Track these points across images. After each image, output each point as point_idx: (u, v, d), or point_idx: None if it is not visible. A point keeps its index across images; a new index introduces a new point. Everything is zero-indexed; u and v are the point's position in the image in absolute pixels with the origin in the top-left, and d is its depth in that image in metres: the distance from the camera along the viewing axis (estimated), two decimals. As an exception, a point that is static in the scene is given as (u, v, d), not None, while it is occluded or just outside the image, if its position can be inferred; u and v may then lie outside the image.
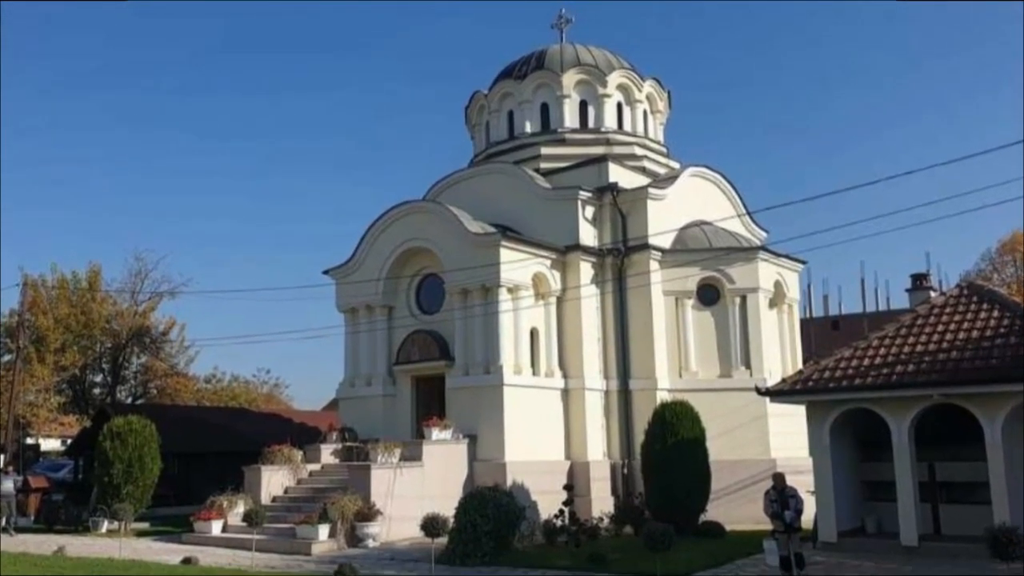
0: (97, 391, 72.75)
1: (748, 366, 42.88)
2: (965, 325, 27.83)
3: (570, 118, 49.58)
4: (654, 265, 42.88)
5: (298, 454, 39.89)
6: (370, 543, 33.11)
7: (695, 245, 44.25)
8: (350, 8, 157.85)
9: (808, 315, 69.36)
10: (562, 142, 48.86)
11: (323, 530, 32.99)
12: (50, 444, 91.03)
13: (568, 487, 37.09)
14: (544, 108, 50.19)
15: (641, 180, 46.24)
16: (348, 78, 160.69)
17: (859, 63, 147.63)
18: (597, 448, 41.79)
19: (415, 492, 35.52)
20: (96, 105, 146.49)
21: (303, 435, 45.77)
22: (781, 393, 29.73)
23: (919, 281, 32.07)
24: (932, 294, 31.40)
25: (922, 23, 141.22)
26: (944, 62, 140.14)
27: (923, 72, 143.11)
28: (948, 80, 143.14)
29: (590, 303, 42.73)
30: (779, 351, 45.33)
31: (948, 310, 28.98)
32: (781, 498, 24.40)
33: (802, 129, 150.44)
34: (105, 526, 38.80)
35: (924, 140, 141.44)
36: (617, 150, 48.20)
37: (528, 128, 49.92)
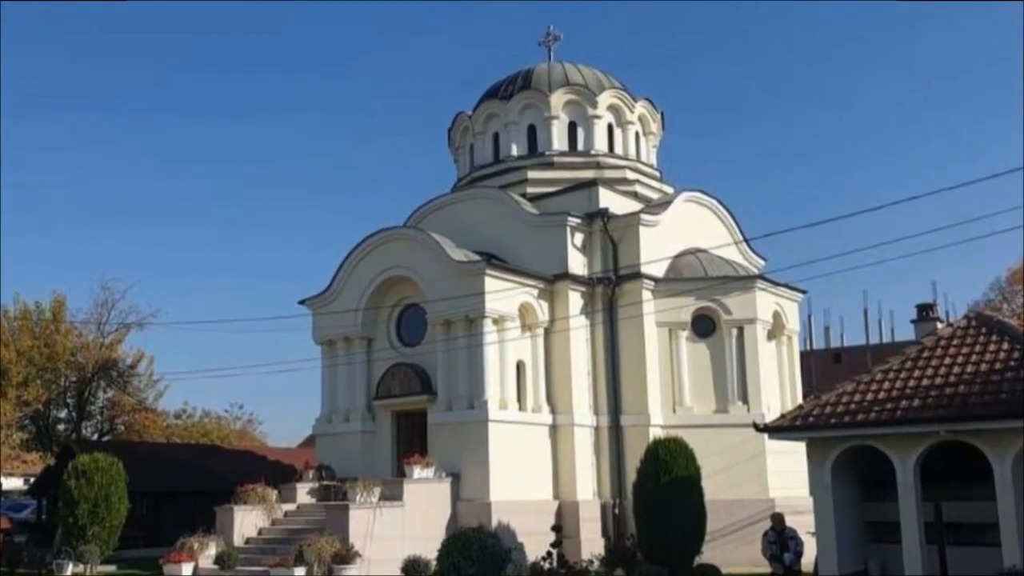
0: (62, 427, 72.30)
1: (745, 401, 42.81)
2: (973, 358, 27.74)
3: (558, 140, 49.58)
4: (647, 295, 42.85)
5: (273, 493, 39.69)
6: (348, 587, 32.93)
7: (690, 274, 44.22)
8: (326, 25, 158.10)
9: (808, 347, 69.33)
10: (550, 166, 48.85)
11: (299, 573, 32.81)
12: (12, 483, 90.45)
13: (556, 528, 36.96)
14: (531, 130, 50.18)
15: (633, 205, 46.24)
16: (324, 98, 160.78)
17: (862, 83, 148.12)
18: (587, 487, 41.66)
19: (396, 533, 35.34)
20: (59, 127, 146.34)
21: (278, 473, 45.52)
22: (780, 429, 29.61)
23: (925, 312, 32.02)
24: (939, 325, 31.32)
25: (928, 42, 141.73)
26: (951, 83, 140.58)
27: (929, 93, 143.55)
28: (955, 101, 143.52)
29: (579, 335, 42.68)
30: (778, 385, 45.29)
31: (956, 342, 28.90)
32: (780, 539, 24.32)
33: (802, 152, 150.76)
34: (70, 569, 38.49)
35: (930, 164, 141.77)
36: (608, 174, 48.19)
37: (514, 151, 49.90)
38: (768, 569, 24.92)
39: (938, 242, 29.70)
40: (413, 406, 41.86)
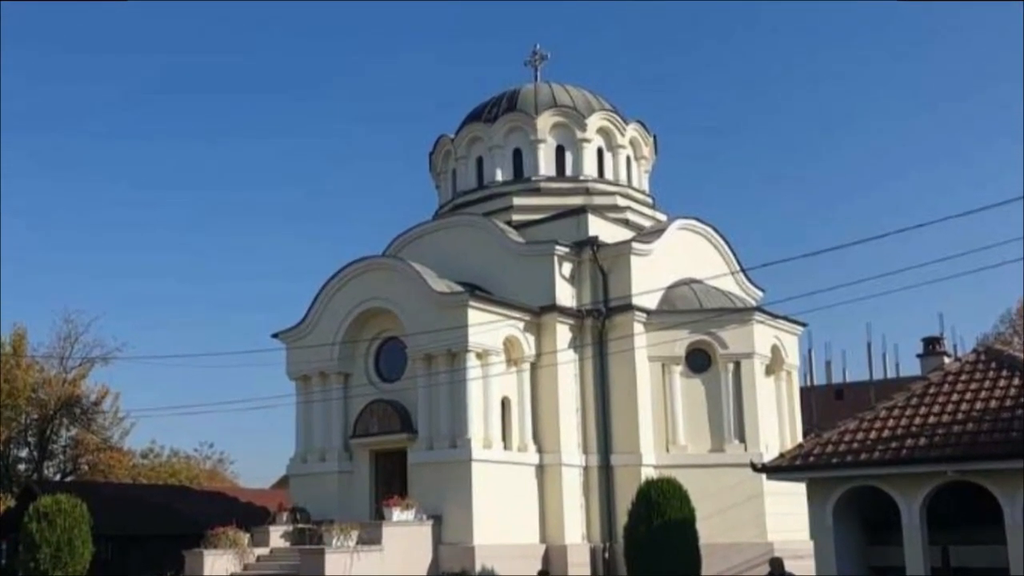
0: (22, 467, 71.95)
1: (742, 439, 42.73)
2: (983, 394, 27.68)
3: (545, 165, 49.54)
4: (638, 328, 42.79)
5: (244, 537, 39.48)
6: (323, 637, 32.74)
7: (684, 306, 44.18)
8: (302, 45, 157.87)
9: (809, 383, 69.25)
10: (537, 191, 48.81)
11: (271, 622, 32.64)
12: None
13: (543, 573, 36.76)
14: (517, 154, 50.12)
15: (624, 234, 46.19)
16: (299, 121, 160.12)
17: (866, 106, 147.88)
18: (575, 530, 41.53)
19: (374, 580, 35.19)
20: (19, 151, 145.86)
21: (250, 516, 45.27)
22: (779, 469, 29.52)
23: (931, 345, 31.98)
24: (946, 360, 31.27)
25: (936, 61, 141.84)
26: (960, 104, 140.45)
27: (937, 115, 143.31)
28: (965, 124, 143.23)
29: (568, 370, 42.60)
30: (777, 423, 45.23)
31: (964, 377, 28.84)
32: (780, 586, 24.19)
33: (802, 178, 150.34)
34: (31, 617, 38.24)
35: (937, 190, 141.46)
36: (597, 200, 48.16)
37: (499, 176, 49.84)
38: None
39: (945, 272, 29.60)
40: (392, 445, 41.73)
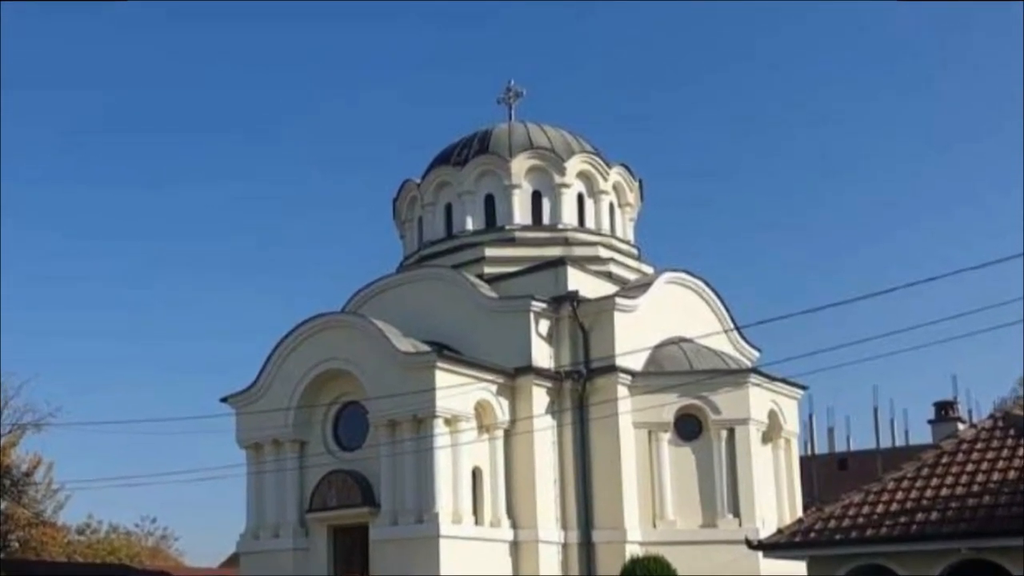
0: (-55, 545, 71.61)
1: (737, 514, 42.61)
2: (1000, 464, 27.64)
3: (520, 213, 49.38)
4: (623, 391, 42.69)
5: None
6: None
7: (672, 367, 44.11)
8: (253, 80, 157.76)
9: (810, 452, 69.37)
10: (511, 242, 48.69)
11: None
12: None
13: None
14: (489, 200, 49.93)
15: (607, 288, 46.09)
16: (250, 165, 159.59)
17: (872, 148, 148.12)
18: (554, 614, 41.42)
19: (330, 670, 34.96)
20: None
21: (195, 599, 45.09)
22: (777, 547, 29.41)
23: (944, 410, 31.97)
24: (960, 426, 31.25)
25: (949, 100, 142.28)
26: (976, 146, 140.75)
27: (950, 158, 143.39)
28: (981, 168, 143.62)
29: (545, 437, 42.48)
30: (774, 495, 45.14)
31: (980, 446, 28.80)
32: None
33: (803, 227, 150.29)
34: None
35: (951, 240, 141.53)
36: (577, 251, 48.06)
37: (469, 224, 49.67)
38: None
39: (959, 330, 29.57)
40: (353, 520, 41.54)
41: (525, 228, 49.08)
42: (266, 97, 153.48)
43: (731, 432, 43.27)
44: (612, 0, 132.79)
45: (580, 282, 45.12)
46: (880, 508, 27.93)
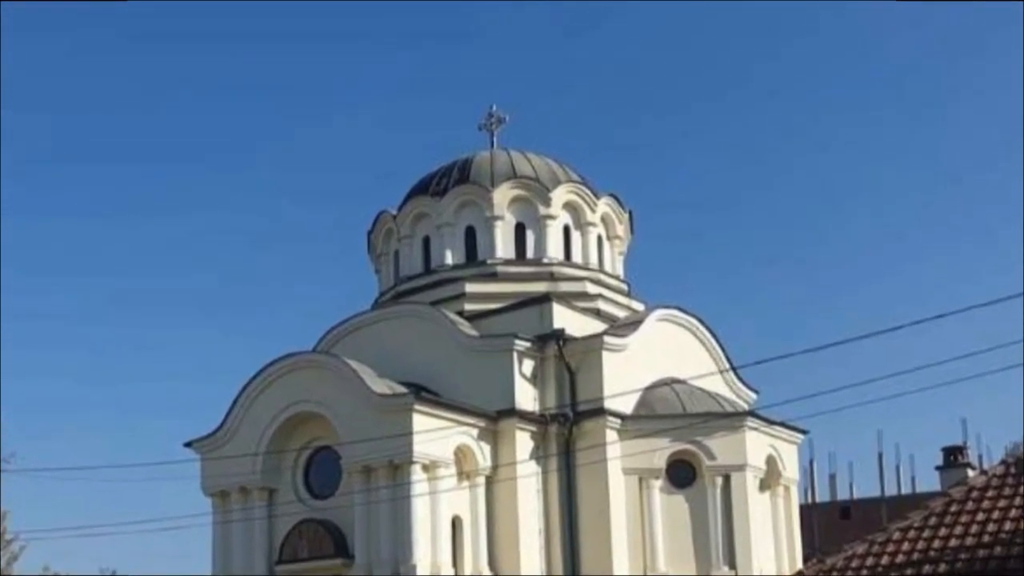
0: None
1: (733, 566, 42.58)
2: (1013, 512, 27.64)
3: (503, 246, 49.37)
4: (612, 436, 42.70)
5: None
6: None
7: (665, 410, 44.10)
8: (219, 105, 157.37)
9: (810, 500, 69.33)
10: (493, 277, 48.67)
11: None
12: None
13: None
14: (469, 233, 49.85)
15: (595, 326, 46.12)
16: (215, 196, 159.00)
17: (878, 177, 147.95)
18: (539, 673, 41.34)
19: None
20: None
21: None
22: (776, 601, 29.41)
23: (953, 456, 31.98)
24: (970, 472, 31.25)
25: (959, 124, 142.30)
26: (987, 176, 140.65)
27: (960, 189, 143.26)
28: (992, 199, 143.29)
29: (529, 484, 42.45)
30: (773, 546, 45.09)
31: (991, 493, 28.80)
32: None
33: (803, 261, 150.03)
34: None
35: (960, 275, 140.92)
36: (563, 287, 48.06)
37: (449, 258, 49.59)
38: None
39: (969, 371, 29.56)
40: (325, 572, 41.46)
41: (508, 262, 49.07)
42: (233, 124, 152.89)
43: (727, 479, 43.27)
44: (599, 23, 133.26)
45: (566, 320, 45.13)
46: (885, 560, 27.91)
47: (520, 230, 49.78)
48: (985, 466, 35.19)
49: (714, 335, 49.65)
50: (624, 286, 51.69)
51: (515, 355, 43.30)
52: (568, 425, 42.84)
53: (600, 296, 48.77)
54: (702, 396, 45.16)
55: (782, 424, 45.53)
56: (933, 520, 28.60)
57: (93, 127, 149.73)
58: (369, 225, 53.67)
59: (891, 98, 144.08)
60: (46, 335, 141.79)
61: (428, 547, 39.50)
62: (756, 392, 50.43)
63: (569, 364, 43.72)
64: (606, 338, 44.17)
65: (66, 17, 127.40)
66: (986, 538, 27.08)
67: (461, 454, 41.38)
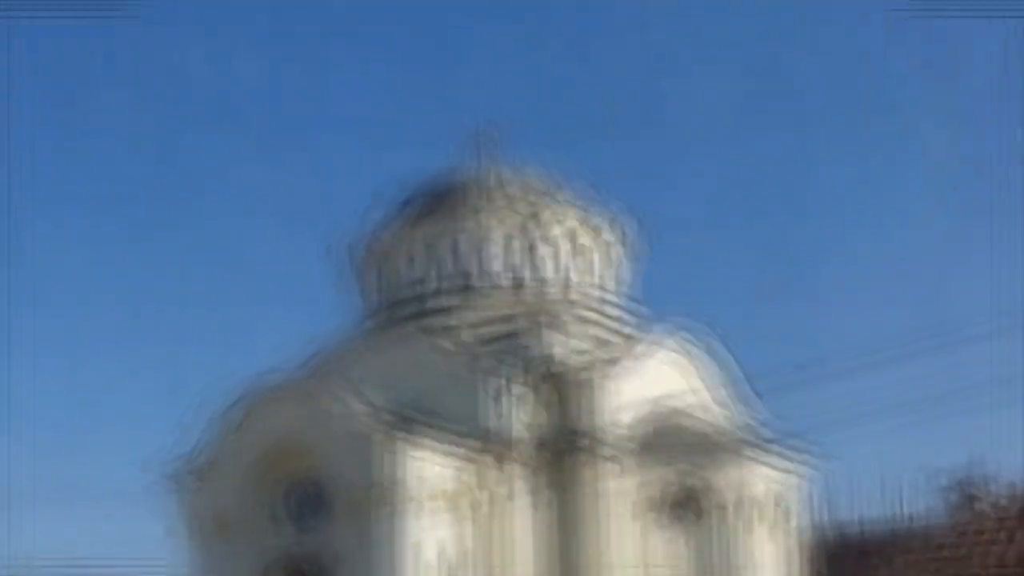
0: None
1: (737, 600, 42.62)
2: (1019, 541, 27.76)
3: (495, 268, 49.28)
4: (609, 467, 42.67)
5: None
6: None
7: (665, 440, 44.02)
8: (196, 125, 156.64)
9: (816, 531, 69.43)
10: (484, 300, 48.71)
11: None
12: None
13: None
14: (459, 255, 49.66)
15: (591, 351, 46.08)
16: (191, 217, 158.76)
17: (898, 185, 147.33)
18: None
19: None
20: None
21: None
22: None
23: (963, 487, 32.11)
24: (980, 504, 31.38)
25: (979, 129, 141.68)
26: (992, 197, 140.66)
27: (972, 211, 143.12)
28: (1007, 221, 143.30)
29: (522, 515, 42.45)
30: (778, 580, 45.17)
31: (998, 525, 28.92)
32: None
33: (814, 282, 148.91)
34: None
35: (973, 301, 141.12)
36: (558, 310, 48.12)
37: (438, 281, 49.72)
38: None
39: (981, 400, 29.85)
40: (308, 608, 41.32)
41: (500, 285, 49.02)
42: (211, 144, 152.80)
43: (730, 511, 43.27)
44: (594, 37, 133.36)
45: (561, 345, 45.10)
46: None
47: (513, 252, 49.67)
48: (995, 498, 35.29)
49: (719, 359, 49.31)
50: (623, 308, 51.54)
51: (507, 382, 43.26)
52: (563, 455, 42.80)
53: (597, 320, 48.71)
54: (705, 424, 45.08)
55: (788, 455, 45.52)
56: (944, 552, 28.74)
57: (73, 144, 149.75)
58: (354, 247, 53.62)
59: (915, 96, 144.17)
60: (20, 361, 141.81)
61: (416, 581, 39.54)
62: (762, 423, 50.22)
63: (564, 391, 43.66)
64: (603, 364, 44.14)
65: None
66: (995, 571, 27.22)
67: (451, 484, 41.35)
